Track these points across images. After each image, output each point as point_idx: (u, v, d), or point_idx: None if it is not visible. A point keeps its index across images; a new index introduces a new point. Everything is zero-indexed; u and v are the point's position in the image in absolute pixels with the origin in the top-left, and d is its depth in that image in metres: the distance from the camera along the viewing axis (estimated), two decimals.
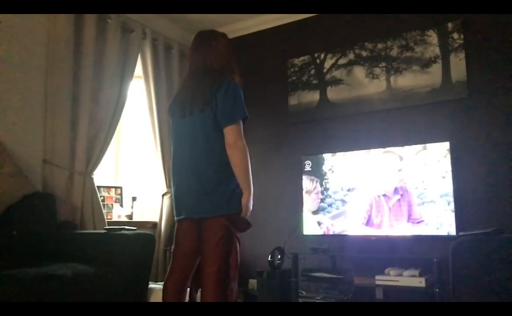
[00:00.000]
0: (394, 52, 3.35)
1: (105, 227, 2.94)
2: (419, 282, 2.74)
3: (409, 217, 2.98)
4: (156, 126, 3.71)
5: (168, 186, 3.73)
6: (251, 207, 1.95)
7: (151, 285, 2.82)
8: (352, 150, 3.28)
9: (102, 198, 3.42)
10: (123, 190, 3.74)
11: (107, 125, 3.26)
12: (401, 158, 3.06)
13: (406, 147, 3.05)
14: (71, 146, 3.03)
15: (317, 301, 3.10)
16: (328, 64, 3.65)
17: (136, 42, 3.55)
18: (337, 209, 3.24)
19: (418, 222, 2.94)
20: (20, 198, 2.52)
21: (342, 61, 3.58)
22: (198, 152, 1.96)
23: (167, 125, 3.66)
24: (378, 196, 3.10)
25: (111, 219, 3.50)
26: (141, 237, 2.60)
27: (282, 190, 3.74)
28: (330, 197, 3.29)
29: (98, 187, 3.27)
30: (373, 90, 3.41)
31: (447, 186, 2.87)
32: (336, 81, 3.59)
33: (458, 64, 3.09)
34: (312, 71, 3.72)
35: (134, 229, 2.69)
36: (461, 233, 2.69)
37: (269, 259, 3.23)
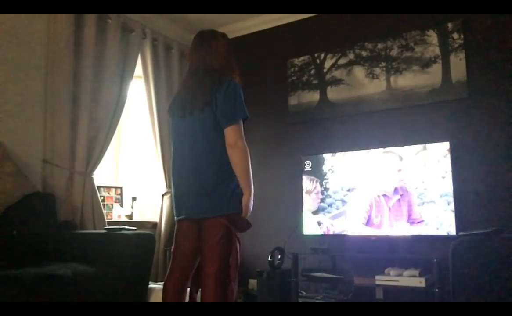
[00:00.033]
0: (394, 52, 3.36)
1: (105, 227, 2.94)
2: (419, 282, 2.74)
3: (409, 217, 2.98)
4: (156, 126, 3.71)
5: (168, 186, 3.73)
6: (251, 207, 1.95)
7: (151, 285, 2.81)
8: (352, 150, 3.28)
9: (102, 198, 3.43)
10: (123, 190, 3.74)
11: (107, 125, 3.26)
12: (401, 158, 3.06)
13: (406, 147, 3.06)
14: (71, 146, 3.03)
15: (317, 301, 3.10)
16: (328, 64, 3.65)
17: (136, 42, 3.55)
18: (337, 209, 3.24)
19: (418, 222, 2.94)
20: (20, 198, 2.51)
21: (342, 61, 3.58)
22: (198, 152, 1.96)
23: (167, 125, 3.66)
24: (378, 196, 3.10)
25: (111, 219, 3.50)
26: (141, 237, 2.60)
27: (282, 190, 3.74)
28: (330, 197, 3.29)
29: (98, 187, 3.27)
30: (373, 90, 3.41)
31: (447, 186, 2.87)
32: (336, 81, 3.59)
33: (458, 64, 3.09)
34: (312, 71, 3.72)
35: (134, 229, 2.69)
36: (461, 233, 2.69)
37: (269, 259, 3.24)
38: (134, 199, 3.79)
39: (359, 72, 3.49)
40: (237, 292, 1.98)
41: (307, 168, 3.41)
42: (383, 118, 3.37)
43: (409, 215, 2.98)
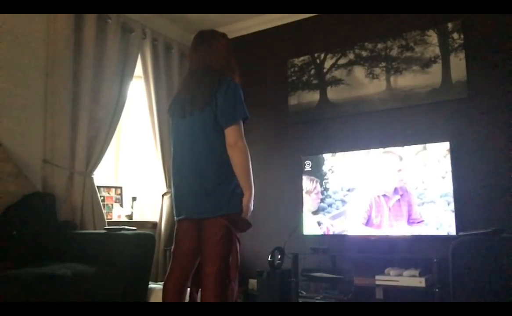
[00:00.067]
0: (394, 52, 3.36)
1: (105, 227, 2.94)
2: (419, 282, 2.74)
3: (409, 217, 2.98)
4: (156, 126, 3.71)
5: (168, 186, 3.73)
6: (252, 208, 1.95)
7: (151, 285, 2.82)
8: (352, 150, 3.28)
9: (102, 198, 3.43)
10: (123, 190, 3.74)
11: (107, 125, 3.26)
12: (401, 158, 3.06)
13: (406, 147, 3.05)
14: (71, 146, 3.03)
15: (317, 301, 3.10)
16: (328, 64, 3.65)
17: (136, 42, 3.55)
18: (337, 209, 3.24)
19: (418, 222, 2.94)
20: (20, 198, 2.51)
21: (342, 61, 3.58)
22: (198, 152, 1.96)
23: (167, 125, 3.66)
24: (378, 196, 3.10)
25: (111, 219, 3.50)
26: (141, 237, 2.60)
27: (282, 190, 3.74)
28: (330, 197, 3.29)
29: (98, 187, 3.27)
30: (373, 90, 3.41)
31: (447, 186, 2.87)
32: (336, 81, 3.59)
33: (458, 64, 3.09)
34: (312, 71, 3.72)
35: (134, 229, 2.69)
36: (461, 233, 2.69)
37: (269, 259, 3.23)
38: (134, 199, 3.79)
39: (359, 72, 3.49)
40: (237, 292, 1.98)
41: (307, 168, 3.41)
42: (383, 118, 3.37)
43: (409, 215, 2.98)
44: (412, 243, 3.03)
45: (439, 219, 2.87)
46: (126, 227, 2.71)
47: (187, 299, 2.04)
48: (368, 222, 3.11)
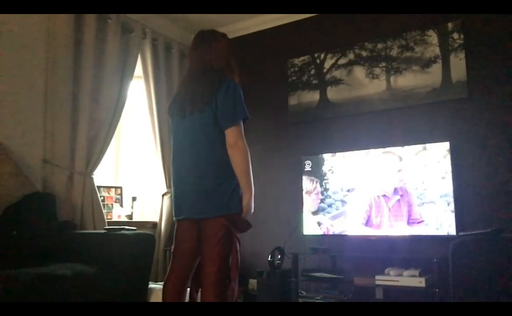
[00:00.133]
0: (394, 52, 3.36)
1: (105, 227, 2.94)
2: (419, 282, 2.74)
3: (409, 218, 2.98)
4: (156, 126, 3.71)
5: (168, 186, 3.73)
6: (252, 208, 1.95)
7: (151, 285, 2.82)
8: (352, 150, 3.28)
9: (102, 198, 3.43)
10: (123, 190, 3.74)
11: (107, 125, 3.26)
12: (400, 159, 3.06)
13: (406, 147, 3.05)
14: (71, 146, 3.03)
15: (317, 301, 3.10)
16: (328, 64, 3.65)
17: (136, 42, 3.56)
18: (337, 209, 3.24)
19: (418, 223, 2.94)
20: (20, 198, 2.51)
21: (342, 61, 3.58)
22: (198, 152, 1.95)
23: (167, 125, 3.66)
24: (378, 196, 3.10)
25: (111, 219, 3.50)
26: (141, 237, 2.60)
27: (282, 190, 3.74)
28: (330, 197, 3.29)
29: (98, 187, 3.27)
30: (373, 90, 3.41)
31: (447, 186, 2.87)
32: (336, 81, 3.59)
33: (458, 64, 3.09)
34: (312, 71, 3.72)
35: (134, 229, 2.69)
36: (461, 233, 2.69)
37: (269, 259, 3.23)
38: (134, 199, 3.79)
39: (359, 72, 3.49)
40: (238, 292, 1.98)
41: (307, 168, 3.41)
42: (383, 118, 3.37)
43: (409, 216, 2.98)
44: (412, 243, 3.03)
45: (439, 219, 2.87)
46: (126, 227, 2.71)
47: (187, 299, 2.04)
48: (368, 222, 3.11)
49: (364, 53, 3.49)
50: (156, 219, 3.77)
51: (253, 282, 3.59)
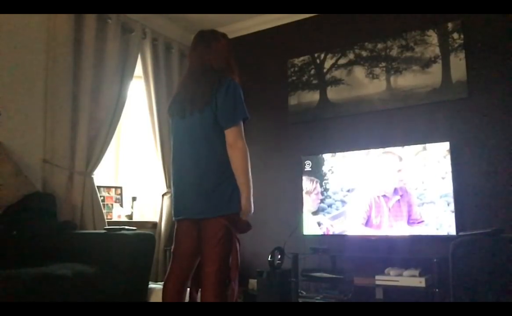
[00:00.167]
0: (394, 52, 3.36)
1: (105, 227, 2.94)
2: (419, 282, 2.74)
3: (409, 218, 2.98)
4: (156, 126, 3.71)
5: (168, 186, 3.73)
6: (252, 209, 1.95)
7: (151, 285, 2.82)
8: (352, 150, 3.28)
9: (102, 198, 3.43)
10: (123, 190, 3.74)
11: (107, 125, 3.26)
12: (400, 159, 3.06)
13: (406, 147, 3.05)
14: (71, 146, 3.03)
15: (317, 301, 3.10)
16: (328, 64, 3.65)
17: (136, 42, 3.56)
18: (337, 209, 3.24)
19: (418, 223, 2.94)
20: (20, 198, 2.52)
21: (342, 61, 3.58)
22: (198, 152, 1.95)
23: (167, 125, 3.66)
24: (378, 196, 3.10)
25: (111, 219, 3.50)
26: (141, 237, 2.60)
27: (282, 190, 3.74)
28: (330, 197, 3.29)
29: (98, 187, 3.27)
30: (373, 90, 3.41)
31: (447, 186, 2.87)
32: (336, 81, 3.59)
33: (458, 64, 3.09)
34: (312, 71, 3.72)
35: (134, 229, 2.69)
36: (461, 233, 2.69)
37: (269, 259, 3.23)
38: (134, 199, 3.79)
39: (359, 72, 3.49)
40: (238, 292, 1.98)
41: (307, 168, 3.41)
42: (383, 118, 3.37)
43: (409, 216, 2.98)
44: (412, 243, 3.03)
45: (439, 219, 2.87)
46: (126, 227, 2.71)
47: (187, 299, 2.04)
48: (367, 223, 3.11)
49: (364, 53, 3.49)
50: (156, 219, 3.77)
51: (253, 282, 3.59)
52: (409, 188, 3.00)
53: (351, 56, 3.54)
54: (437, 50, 3.19)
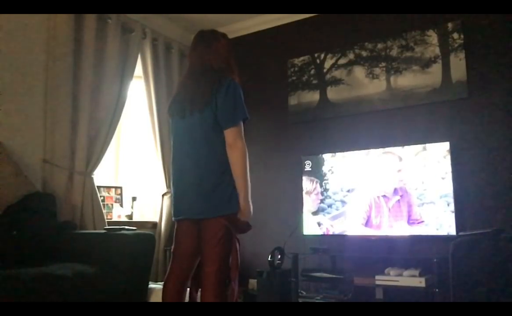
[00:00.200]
0: (394, 52, 3.36)
1: (105, 227, 2.94)
2: (419, 282, 2.74)
3: (409, 218, 2.98)
4: (156, 126, 3.71)
5: (168, 186, 3.73)
6: (251, 210, 1.94)
7: (151, 285, 2.81)
8: (352, 150, 3.28)
9: (102, 198, 3.42)
10: (123, 190, 3.74)
11: (107, 125, 3.26)
12: (400, 159, 3.06)
13: (406, 147, 3.05)
14: (71, 146, 3.03)
15: (317, 301, 3.10)
16: (328, 64, 3.65)
17: (136, 42, 3.56)
18: (337, 210, 3.24)
19: (418, 223, 2.94)
20: (20, 198, 2.51)
21: (342, 61, 3.58)
22: (197, 152, 1.95)
23: (167, 125, 3.66)
24: (378, 197, 3.10)
25: (111, 219, 3.50)
26: (141, 237, 2.60)
27: (282, 190, 3.74)
28: (330, 197, 3.29)
29: (98, 187, 3.27)
30: (373, 90, 3.41)
31: (447, 187, 2.87)
32: (336, 81, 3.59)
33: (458, 64, 3.09)
34: (312, 71, 3.72)
35: (134, 229, 2.69)
36: (461, 233, 2.70)
37: (269, 259, 3.23)
38: (134, 199, 3.79)
39: (359, 72, 3.49)
40: (238, 292, 1.98)
41: (307, 168, 3.41)
42: (383, 118, 3.37)
43: (409, 216, 2.98)
44: (412, 243, 3.03)
45: (439, 219, 2.87)
46: (126, 227, 2.71)
47: (187, 299, 2.04)
48: (367, 223, 3.11)
49: (364, 53, 3.49)
50: (156, 219, 3.77)
51: (253, 282, 3.59)
52: (409, 188, 3.00)
53: (351, 56, 3.54)
54: (437, 50, 3.19)
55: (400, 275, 2.83)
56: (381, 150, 3.15)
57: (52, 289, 2.04)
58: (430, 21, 3.23)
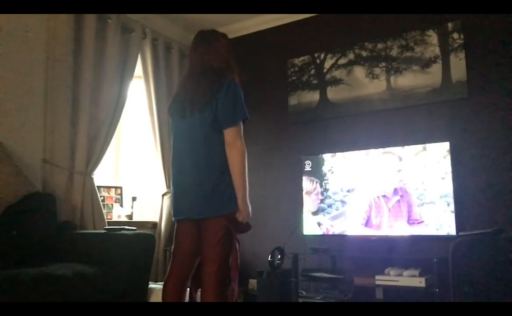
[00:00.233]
0: (394, 52, 3.36)
1: (105, 227, 2.94)
2: (419, 282, 2.74)
3: (409, 218, 2.98)
4: (156, 126, 3.71)
5: (168, 186, 3.73)
6: (249, 210, 1.94)
7: (151, 285, 2.82)
8: (352, 150, 3.28)
9: (102, 198, 3.42)
10: (123, 190, 3.74)
11: (107, 125, 3.26)
12: (400, 159, 3.06)
13: (405, 147, 3.05)
14: (71, 146, 3.03)
15: (317, 301, 3.10)
16: (328, 64, 3.65)
17: (136, 42, 3.56)
18: (337, 210, 3.24)
19: (418, 223, 2.94)
20: (20, 198, 2.51)
21: (342, 61, 3.58)
22: (197, 152, 1.95)
23: (167, 125, 3.66)
24: (378, 197, 3.10)
25: (111, 219, 3.50)
26: (141, 237, 2.60)
27: (282, 190, 3.74)
28: (330, 197, 3.29)
29: (98, 187, 3.27)
30: (373, 90, 3.41)
31: (447, 187, 2.87)
32: (336, 81, 3.59)
33: (458, 64, 3.09)
34: (312, 71, 3.72)
35: (134, 229, 2.69)
36: (461, 233, 2.70)
37: (269, 259, 3.23)
38: (134, 199, 3.79)
39: (359, 72, 3.49)
40: (238, 292, 1.98)
41: (307, 168, 3.41)
42: (383, 118, 3.37)
43: (409, 216, 2.98)
44: (412, 243, 3.03)
45: (439, 220, 2.87)
46: (126, 227, 2.71)
47: (187, 299, 2.04)
48: (367, 223, 3.11)
49: (364, 53, 3.49)
50: (156, 219, 3.77)
51: (253, 282, 3.59)
52: (409, 188, 3.00)
53: (351, 56, 3.54)
54: (437, 50, 3.19)
55: (400, 275, 2.83)
56: (381, 150, 3.15)
57: (52, 289, 2.04)
58: (430, 21, 3.23)
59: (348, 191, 3.22)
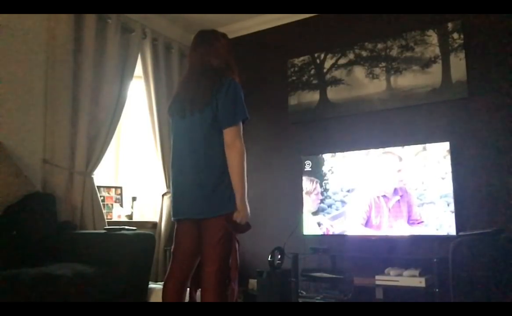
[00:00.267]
0: (394, 52, 3.36)
1: (105, 227, 2.94)
2: (419, 282, 2.74)
3: (409, 218, 2.98)
4: (156, 126, 3.71)
5: (168, 186, 3.73)
6: (248, 211, 1.94)
7: (151, 285, 2.82)
8: (352, 150, 3.28)
9: (102, 198, 3.42)
10: (123, 190, 3.74)
11: (107, 125, 3.26)
12: (400, 159, 3.06)
13: (405, 147, 3.05)
14: (71, 146, 3.03)
15: (317, 301, 3.10)
16: (328, 64, 3.65)
17: (136, 42, 3.56)
18: (337, 210, 3.24)
19: (418, 223, 2.94)
20: (20, 198, 2.51)
21: (342, 61, 3.58)
22: (197, 152, 1.95)
23: (167, 125, 3.66)
24: (378, 197, 3.10)
25: (111, 219, 3.50)
26: (141, 237, 2.60)
27: (282, 190, 3.74)
28: (330, 197, 3.29)
29: (98, 187, 3.27)
30: (373, 90, 3.41)
31: (447, 187, 2.87)
32: (336, 81, 3.59)
33: (458, 64, 3.09)
34: (312, 71, 3.72)
35: (134, 229, 2.69)
36: (461, 233, 2.70)
37: (269, 259, 3.23)
38: (134, 199, 3.79)
39: (359, 72, 3.49)
40: (237, 292, 1.98)
41: (307, 168, 3.41)
42: (383, 118, 3.37)
43: (409, 216, 2.98)
44: (412, 243, 3.03)
45: (439, 220, 2.87)
46: (126, 227, 2.71)
47: (187, 299, 2.04)
48: (367, 223, 3.11)
49: (364, 53, 3.49)
50: (156, 219, 3.77)
51: (253, 282, 3.59)
52: (409, 188, 3.00)
53: (351, 56, 3.54)
54: (437, 50, 3.19)
55: (400, 275, 2.83)
56: (381, 150, 3.15)
57: (52, 289, 2.04)
58: (430, 21, 3.23)
59: (348, 191, 3.22)
